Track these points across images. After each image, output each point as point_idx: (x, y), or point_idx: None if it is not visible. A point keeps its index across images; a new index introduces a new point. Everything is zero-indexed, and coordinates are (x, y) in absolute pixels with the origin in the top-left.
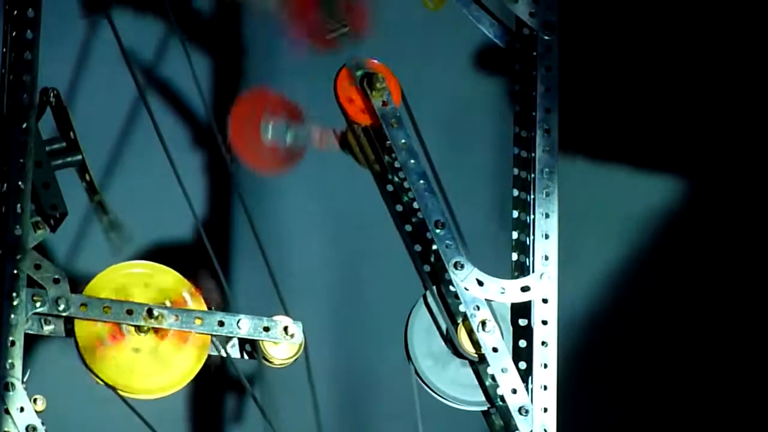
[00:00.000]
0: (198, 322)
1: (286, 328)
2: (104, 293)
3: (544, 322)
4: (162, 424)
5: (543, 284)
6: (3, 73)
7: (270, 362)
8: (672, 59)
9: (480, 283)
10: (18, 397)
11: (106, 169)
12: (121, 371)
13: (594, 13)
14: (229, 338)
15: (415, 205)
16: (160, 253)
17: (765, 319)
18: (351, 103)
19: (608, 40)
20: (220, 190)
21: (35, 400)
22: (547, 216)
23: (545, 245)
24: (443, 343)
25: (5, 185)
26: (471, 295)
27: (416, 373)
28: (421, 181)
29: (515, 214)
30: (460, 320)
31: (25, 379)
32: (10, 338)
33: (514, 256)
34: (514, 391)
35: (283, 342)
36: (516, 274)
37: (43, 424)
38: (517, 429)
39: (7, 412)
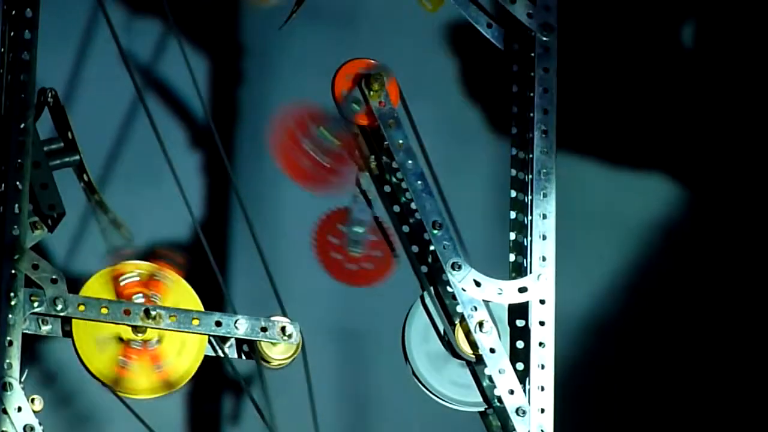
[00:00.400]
0: (195, 322)
1: (283, 329)
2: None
3: (542, 323)
4: (160, 424)
5: (540, 285)
6: (1, 73)
7: (267, 363)
8: (670, 60)
9: (477, 284)
10: (16, 397)
11: (103, 170)
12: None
13: (592, 13)
14: (227, 338)
15: (413, 205)
16: (157, 254)
17: (761, 318)
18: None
19: (607, 41)
20: (218, 190)
21: (33, 400)
22: (544, 217)
23: (543, 246)
24: (441, 344)
25: (3, 185)
26: (468, 295)
27: (414, 374)
28: (419, 182)
29: (513, 215)
30: (457, 321)
31: (22, 379)
32: (8, 338)
33: (512, 257)
34: (512, 392)
35: (280, 342)
36: (513, 275)
37: (40, 423)
38: (515, 430)
39: (5, 411)
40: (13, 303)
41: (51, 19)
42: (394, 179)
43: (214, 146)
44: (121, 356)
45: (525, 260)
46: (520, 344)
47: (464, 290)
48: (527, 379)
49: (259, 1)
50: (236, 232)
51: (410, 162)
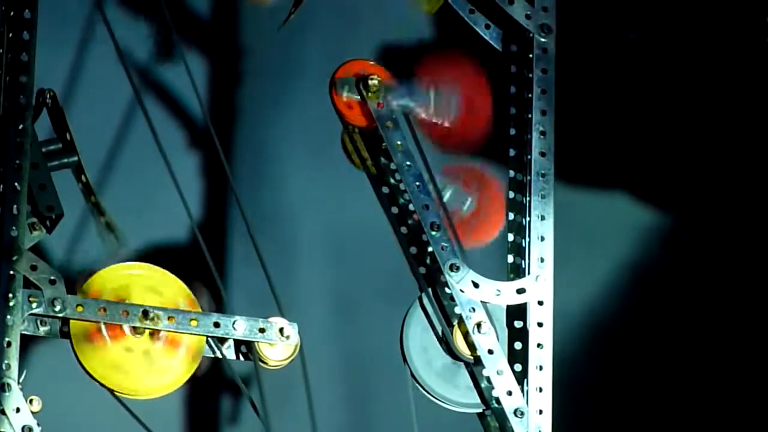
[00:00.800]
0: (193, 323)
1: (281, 330)
2: (105, 291)
3: (540, 324)
4: (158, 424)
5: (539, 286)
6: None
7: (266, 363)
8: (669, 60)
9: (475, 285)
10: (14, 398)
11: (102, 171)
12: (112, 369)
13: (591, 14)
14: (225, 339)
15: (411, 207)
16: (155, 255)
17: (758, 317)
18: (350, 109)
19: (606, 42)
20: (217, 192)
21: (31, 401)
22: (542, 218)
23: (541, 247)
24: (439, 345)
25: (1, 186)
26: (466, 297)
27: (412, 375)
28: (417, 183)
29: (511, 216)
30: (455, 322)
31: (21, 380)
32: (6, 339)
33: (510, 258)
34: (510, 393)
35: (278, 343)
36: (512, 276)
37: (39, 424)
38: (513, 431)
39: (3, 412)
40: (11, 304)
41: (49, 21)
42: (392, 180)
43: (213, 147)
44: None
45: (523, 261)
46: (518, 345)
47: (462, 291)
48: (525, 380)
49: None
50: (234, 234)
51: (408, 163)
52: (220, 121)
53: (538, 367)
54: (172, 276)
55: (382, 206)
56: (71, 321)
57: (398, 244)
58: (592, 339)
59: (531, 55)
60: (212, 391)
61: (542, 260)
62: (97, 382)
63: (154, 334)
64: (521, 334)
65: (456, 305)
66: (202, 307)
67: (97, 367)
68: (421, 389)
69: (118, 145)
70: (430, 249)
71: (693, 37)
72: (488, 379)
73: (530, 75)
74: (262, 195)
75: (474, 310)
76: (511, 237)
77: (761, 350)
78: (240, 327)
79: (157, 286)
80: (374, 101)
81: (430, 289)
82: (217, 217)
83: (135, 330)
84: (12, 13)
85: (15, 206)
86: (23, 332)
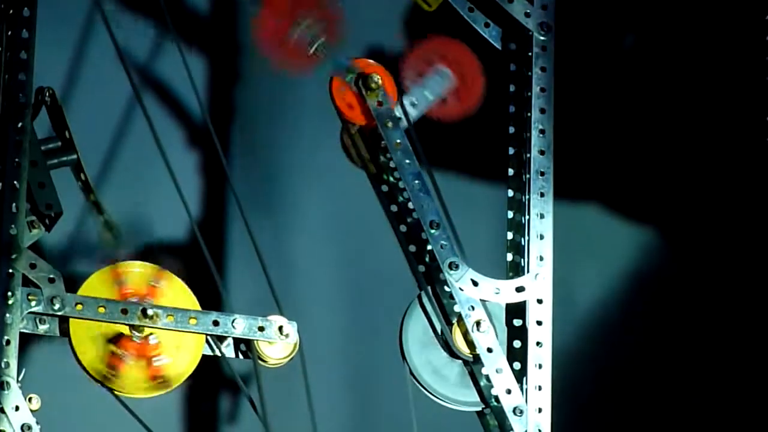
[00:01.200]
0: (193, 321)
1: (280, 328)
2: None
3: (539, 323)
4: (157, 423)
5: (538, 285)
6: None
7: (265, 362)
8: (668, 60)
9: (475, 284)
10: (13, 396)
11: (101, 169)
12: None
13: (590, 13)
14: (224, 338)
15: (410, 205)
16: (154, 253)
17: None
18: (351, 109)
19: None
20: (216, 189)
21: (30, 399)
22: (542, 217)
23: (540, 246)
24: (438, 343)
25: (0, 184)
26: (466, 295)
27: (411, 373)
28: (416, 182)
29: (510, 214)
30: (454, 320)
31: (20, 378)
32: (5, 337)
33: (509, 257)
34: (509, 392)
35: (278, 342)
36: (511, 274)
37: (37, 422)
38: (512, 429)
39: (3, 410)
40: (10, 302)
41: (48, 19)
42: (391, 179)
43: (212, 145)
44: (119, 348)
45: (522, 260)
46: (517, 344)
47: (462, 290)
48: (524, 378)
49: None
50: (233, 232)
51: (407, 161)
52: (218, 119)
53: (538, 366)
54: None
55: (381, 204)
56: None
57: (397, 242)
58: (591, 337)
59: (530, 54)
60: (211, 390)
61: (541, 258)
62: (97, 381)
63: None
64: (520, 333)
65: (455, 303)
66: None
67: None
68: (420, 387)
69: (117, 144)
70: (429, 247)
71: (692, 37)
72: (487, 377)
73: (529, 73)
74: (261, 193)
75: (473, 308)
76: (510, 235)
77: (756, 349)
78: (239, 325)
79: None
80: (374, 100)
81: (429, 288)
82: (216, 215)
83: (134, 328)
84: (11, 12)
85: (14, 204)
86: (22, 330)
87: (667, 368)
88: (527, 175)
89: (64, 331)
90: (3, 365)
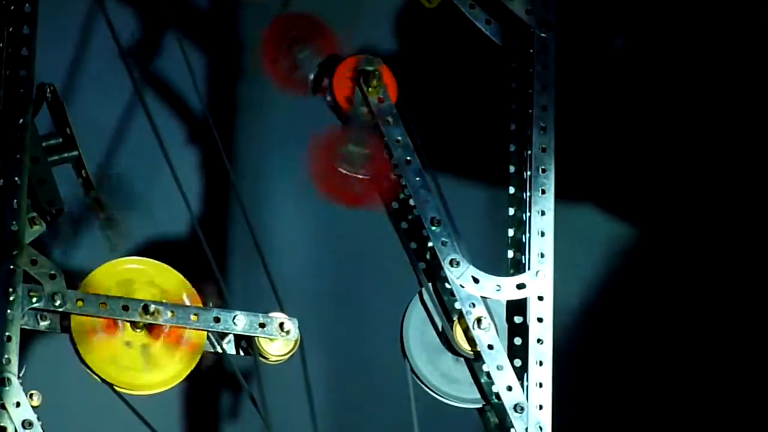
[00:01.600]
0: (194, 318)
1: (281, 325)
2: (106, 286)
3: (540, 320)
4: (157, 419)
5: (539, 281)
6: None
7: (266, 359)
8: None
9: (476, 281)
10: (14, 392)
11: (102, 166)
12: (111, 364)
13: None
14: (225, 334)
15: (411, 202)
16: (156, 250)
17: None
18: (351, 105)
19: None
20: (217, 186)
21: (31, 396)
22: (542, 213)
23: (541, 242)
24: (439, 340)
25: (2, 181)
26: (466, 292)
27: (412, 370)
28: (417, 178)
29: (511, 211)
30: (455, 317)
31: (21, 375)
32: (6, 333)
33: (510, 254)
34: (510, 389)
35: (278, 338)
36: (512, 271)
37: (39, 419)
38: (513, 426)
39: (3, 407)
40: (11, 298)
41: (49, 15)
42: (392, 176)
43: (213, 142)
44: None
45: (523, 257)
46: (518, 341)
47: (462, 287)
48: (525, 375)
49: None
50: (235, 229)
51: (408, 158)
52: (220, 116)
53: (538, 363)
54: (172, 270)
55: (382, 201)
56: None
57: (398, 239)
58: (592, 334)
59: (531, 51)
60: (212, 386)
61: (542, 255)
62: (98, 377)
63: (153, 331)
64: (521, 330)
65: (456, 300)
66: (204, 300)
67: (96, 361)
68: (420, 384)
69: (118, 140)
70: (430, 244)
71: (693, 36)
72: (488, 374)
73: (531, 70)
74: (262, 190)
75: (474, 305)
76: (511, 232)
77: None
78: (240, 322)
79: (157, 281)
80: (374, 96)
81: (430, 284)
82: (218, 212)
83: (135, 325)
84: (12, 8)
85: (15, 200)
86: (23, 327)
87: (669, 365)
88: (528, 172)
89: (65, 328)
90: (4, 361)
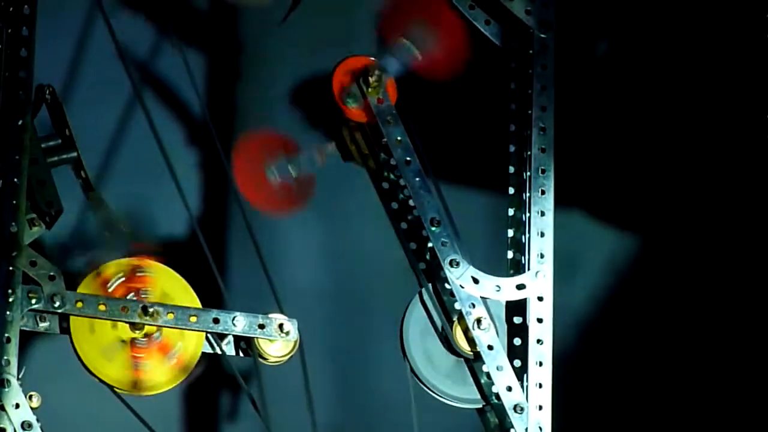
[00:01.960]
0: (193, 319)
1: (281, 326)
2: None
3: (540, 320)
4: (157, 421)
5: (538, 282)
6: None
7: (265, 360)
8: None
9: (475, 281)
10: (13, 394)
11: (101, 167)
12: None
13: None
14: (225, 335)
15: (411, 202)
16: (155, 251)
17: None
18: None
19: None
20: (216, 187)
21: (30, 397)
22: (542, 214)
23: (541, 243)
24: (439, 340)
25: (1, 182)
26: (466, 292)
27: (411, 370)
28: (417, 179)
29: (511, 212)
30: (455, 318)
31: (20, 376)
32: (6, 335)
33: (510, 254)
34: (509, 389)
35: (278, 339)
36: (511, 271)
37: (38, 420)
38: (512, 427)
39: (3, 408)
40: (10, 300)
41: (48, 16)
42: (392, 176)
43: (212, 143)
44: (130, 357)
45: (523, 257)
46: (517, 341)
47: (462, 287)
48: (525, 376)
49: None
50: (234, 229)
51: (408, 159)
52: (219, 117)
53: (538, 363)
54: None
55: (381, 201)
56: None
57: (398, 239)
58: (591, 334)
59: (531, 51)
60: (211, 387)
61: (542, 256)
62: (98, 379)
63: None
64: (521, 330)
65: (456, 301)
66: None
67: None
68: (420, 385)
69: (117, 141)
70: (430, 244)
71: (692, 36)
72: (488, 374)
73: (530, 71)
74: None
75: (474, 305)
76: (510, 233)
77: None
78: (239, 323)
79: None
80: (374, 97)
81: (429, 285)
82: (217, 213)
83: (134, 326)
84: (11, 9)
85: (14, 201)
86: (23, 328)
87: (669, 365)
88: (528, 173)
89: (65, 329)
90: (3, 363)
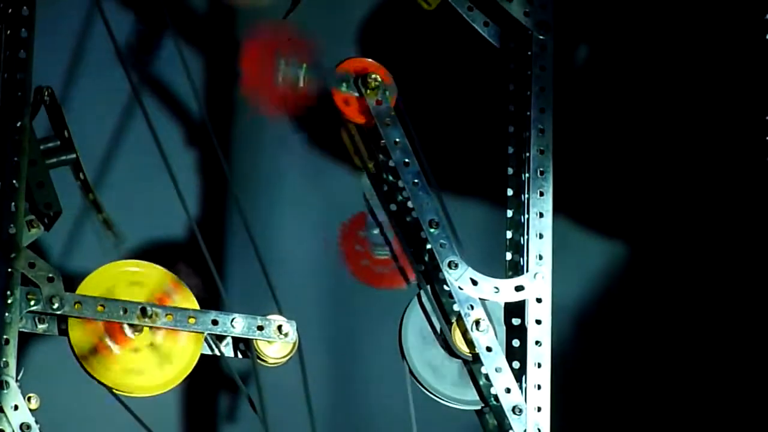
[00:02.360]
0: (192, 321)
1: (279, 327)
2: (98, 292)
3: (538, 322)
4: (156, 422)
5: (537, 283)
6: None
7: (264, 361)
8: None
9: (474, 283)
10: (12, 396)
11: (100, 168)
12: (127, 374)
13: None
14: (223, 337)
15: (410, 204)
16: (153, 253)
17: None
18: (346, 103)
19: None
20: (215, 188)
21: (29, 399)
22: (541, 215)
23: (539, 245)
24: (437, 342)
25: None
26: (465, 294)
27: (410, 371)
28: (416, 180)
29: (509, 213)
30: (454, 319)
31: (19, 378)
32: (5, 336)
33: (509, 256)
34: (508, 391)
35: (276, 341)
36: (510, 273)
37: (36, 422)
38: (511, 428)
39: (1, 410)
40: (9, 301)
41: (47, 18)
42: (390, 178)
43: (211, 144)
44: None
45: (522, 259)
46: (516, 343)
47: (461, 289)
48: (524, 377)
49: (252, 1)
50: (232, 231)
51: (407, 160)
52: (217, 118)
53: (537, 365)
54: (152, 265)
55: (380, 203)
56: (73, 341)
57: (397, 240)
58: (590, 336)
59: (529, 53)
60: (210, 389)
61: (540, 257)
62: (96, 380)
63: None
64: (519, 332)
65: (454, 302)
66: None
67: (114, 378)
68: (419, 386)
69: (116, 142)
70: (428, 246)
71: (692, 36)
72: (486, 376)
73: (529, 72)
74: (260, 192)
75: (472, 307)
76: (509, 234)
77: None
78: (238, 325)
79: (138, 279)
80: (373, 98)
81: (428, 287)
82: (215, 214)
83: (134, 328)
84: (10, 11)
85: (13, 203)
86: (21, 330)
87: (668, 366)
88: (526, 174)
89: (63, 331)
90: (2, 364)
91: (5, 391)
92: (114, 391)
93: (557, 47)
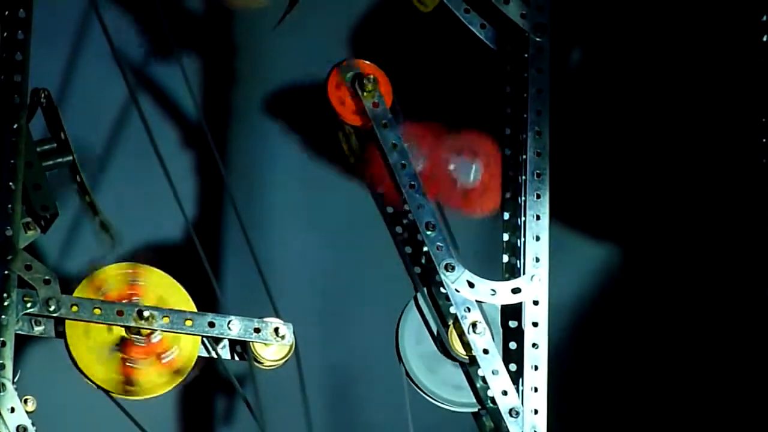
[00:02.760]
0: (188, 323)
1: (276, 330)
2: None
3: (535, 324)
4: (152, 424)
5: (534, 286)
6: None
7: (260, 363)
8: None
9: (471, 285)
10: (9, 398)
11: (96, 170)
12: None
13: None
14: (220, 339)
15: (406, 206)
16: (150, 255)
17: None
18: (343, 105)
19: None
20: (211, 190)
21: (26, 401)
22: (537, 218)
23: (536, 247)
24: (434, 344)
25: None
26: (462, 296)
27: (407, 374)
28: (412, 183)
29: (506, 216)
30: (450, 322)
31: (15, 380)
32: (1, 339)
33: (505, 258)
34: (505, 393)
35: (273, 343)
36: (507, 275)
37: (33, 424)
38: (508, 431)
39: None
40: (6, 304)
41: (44, 20)
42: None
43: (207, 146)
44: (126, 356)
45: (518, 261)
46: (513, 345)
47: (458, 291)
48: (520, 380)
49: (248, 4)
50: (229, 233)
51: (403, 163)
52: (214, 120)
53: (534, 367)
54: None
55: (377, 206)
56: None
57: (393, 243)
58: (587, 338)
59: (526, 55)
60: (207, 391)
61: (537, 260)
62: (92, 383)
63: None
64: (516, 334)
65: (451, 305)
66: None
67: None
68: (416, 389)
69: (112, 144)
70: (425, 249)
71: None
72: (483, 378)
73: (525, 74)
74: (256, 194)
75: (469, 309)
76: (506, 237)
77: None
78: (235, 327)
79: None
80: (369, 100)
81: (425, 289)
82: (212, 217)
83: (131, 330)
84: (7, 13)
85: (9, 206)
86: (18, 332)
87: (664, 369)
88: (523, 177)
89: (60, 333)
90: None
91: (2, 394)
92: (111, 393)
93: (553, 50)
